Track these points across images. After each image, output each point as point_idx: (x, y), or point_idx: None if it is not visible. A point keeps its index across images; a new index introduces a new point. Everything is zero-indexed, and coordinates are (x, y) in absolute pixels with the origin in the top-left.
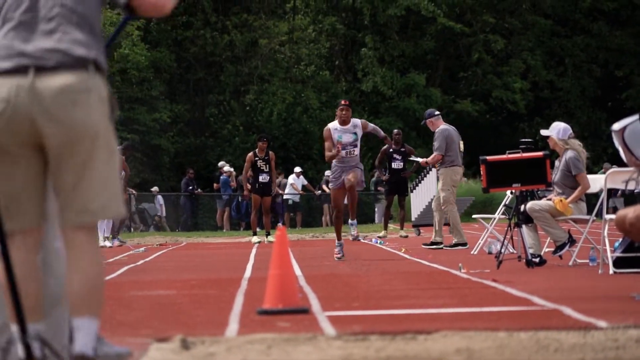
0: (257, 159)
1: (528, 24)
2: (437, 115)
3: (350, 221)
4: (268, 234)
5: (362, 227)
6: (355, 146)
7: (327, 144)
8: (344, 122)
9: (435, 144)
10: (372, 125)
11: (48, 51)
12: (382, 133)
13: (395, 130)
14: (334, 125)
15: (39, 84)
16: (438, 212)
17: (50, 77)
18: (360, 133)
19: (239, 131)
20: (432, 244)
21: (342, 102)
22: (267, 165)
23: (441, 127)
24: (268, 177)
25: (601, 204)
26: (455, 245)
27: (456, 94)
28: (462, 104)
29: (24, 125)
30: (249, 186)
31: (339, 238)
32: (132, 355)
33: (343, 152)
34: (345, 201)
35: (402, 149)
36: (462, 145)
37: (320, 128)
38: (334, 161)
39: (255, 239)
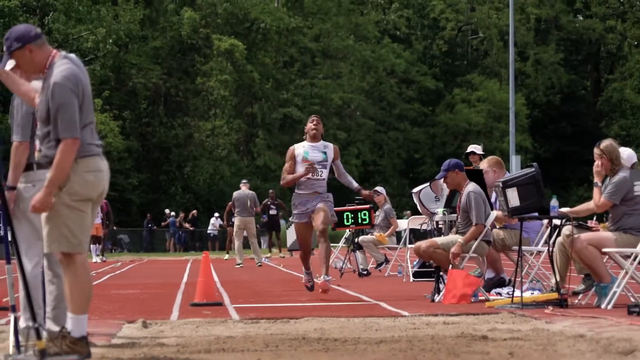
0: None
1: (360, 124)
2: None
3: (324, 276)
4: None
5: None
6: (324, 167)
7: (286, 165)
8: (314, 138)
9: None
10: (341, 164)
11: None
12: (354, 183)
13: (271, 190)
14: (300, 144)
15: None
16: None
17: None
18: (330, 155)
19: (179, 192)
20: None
21: (313, 116)
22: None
23: None
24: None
25: (405, 237)
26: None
27: None
28: None
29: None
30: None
31: (307, 268)
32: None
33: (302, 169)
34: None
35: (276, 202)
36: None
37: (232, 190)
38: (296, 190)
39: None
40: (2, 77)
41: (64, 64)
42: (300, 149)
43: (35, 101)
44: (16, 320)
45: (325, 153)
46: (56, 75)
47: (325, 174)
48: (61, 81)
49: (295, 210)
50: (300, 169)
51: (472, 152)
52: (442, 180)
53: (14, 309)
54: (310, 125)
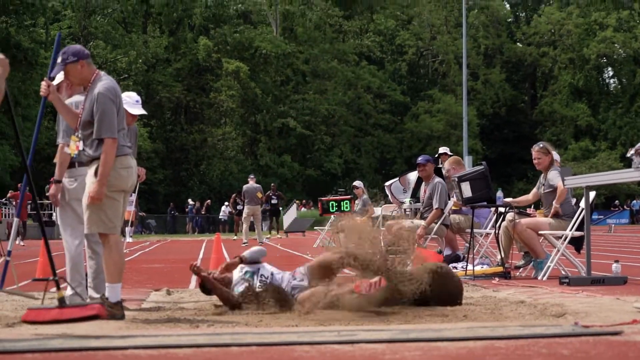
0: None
1: (342, 130)
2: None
3: None
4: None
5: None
6: None
7: None
8: None
9: None
10: None
11: None
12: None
13: (273, 184)
14: None
15: None
16: None
17: None
18: None
19: (196, 185)
20: None
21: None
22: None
23: None
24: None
25: (379, 222)
26: None
27: (306, 165)
28: (309, 170)
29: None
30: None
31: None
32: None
33: None
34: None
35: (277, 193)
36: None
37: (239, 184)
38: None
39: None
40: (50, 98)
41: (105, 79)
42: None
43: (77, 111)
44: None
45: None
46: (100, 87)
47: None
48: (104, 92)
49: None
50: None
51: (445, 153)
52: (409, 174)
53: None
54: None
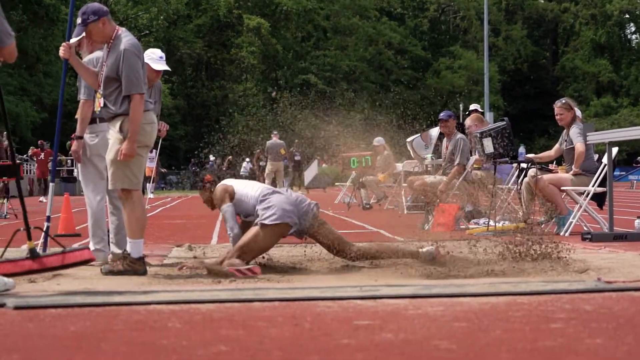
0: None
1: (363, 87)
2: None
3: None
4: None
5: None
6: None
7: None
8: None
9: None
10: None
11: None
12: None
13: (296, 141)
14: None
15: None
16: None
17: None
18: None
19: (217, 140)
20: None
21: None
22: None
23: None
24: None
25: (400, 177)
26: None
27: (328, 122)
28: (331, 127)
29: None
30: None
31: None
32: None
33: None
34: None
35: (299, 150)
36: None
37: (261, 140)
38: None
39: None
40: (71, 60)
41: (128, 36)
42: None
43: (96, 70)
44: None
45: None
46: (125, 44)
47: None
48: (130, 48)
49: None
50: None
51: (475, 110)
52: (431, 130)
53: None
54: None
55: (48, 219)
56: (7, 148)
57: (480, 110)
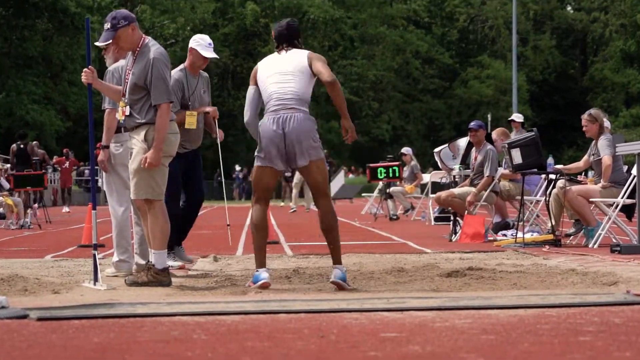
0: None
1: (390, 96)
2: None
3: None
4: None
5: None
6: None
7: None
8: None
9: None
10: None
11: None
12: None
13: (325, 150)
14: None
15: None
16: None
17: None
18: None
19: (244, 150)
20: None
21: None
22: None
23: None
24: None
25: (428, 188)
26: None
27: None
28: (357, 136)
29: None
30: None
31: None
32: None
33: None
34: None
35: (328, 160)
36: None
37: None
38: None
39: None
40: (95, 85)
41: (156, 45)
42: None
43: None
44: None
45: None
46: (154, 53)
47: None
48: (159, 57)
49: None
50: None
51: (513, 120)
52: (459, 140)
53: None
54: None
55: (95, 246)
56: (42, 156)
57: (519, 120)
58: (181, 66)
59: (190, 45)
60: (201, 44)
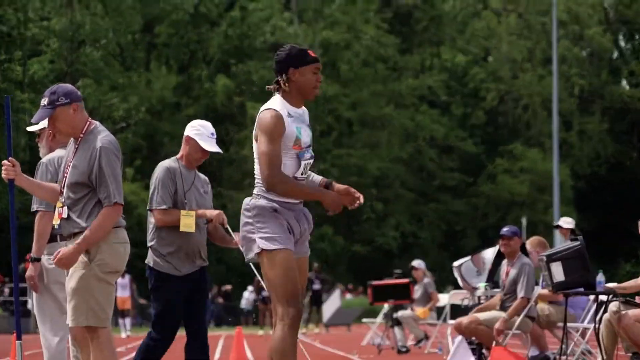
0: None
1: (398, 195)
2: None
3: None
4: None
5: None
6: (313, 157)
7: (275, 147)
8: (307, 95)
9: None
10: None
11: None
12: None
13: (316, 264)
14: (281, 104)
15: None
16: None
17: None
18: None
19: (213, 264)
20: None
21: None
22: None
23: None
24: None
25: (446, 313)
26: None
27: (353, 239)
28: (356, 245)
29: None
30: None
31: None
32: None
33: (302, 165)
34: None
35: (320, 275)
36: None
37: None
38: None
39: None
40: (17, 181)
41: (105, 132)
42: (290, 121)
43: (54, 185)
44: None
45: (310, 128)
46: (102, 140)
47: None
48: (108, 146)
49: (272, 233)
50: (289, 161)
51: (560, 226)
52: (484, 252)
53: None
54: (312, 78)
55: None
56: None
57: (568, 226)
58: (173, 158)
59: (186, 134)
60: (202, 132)
